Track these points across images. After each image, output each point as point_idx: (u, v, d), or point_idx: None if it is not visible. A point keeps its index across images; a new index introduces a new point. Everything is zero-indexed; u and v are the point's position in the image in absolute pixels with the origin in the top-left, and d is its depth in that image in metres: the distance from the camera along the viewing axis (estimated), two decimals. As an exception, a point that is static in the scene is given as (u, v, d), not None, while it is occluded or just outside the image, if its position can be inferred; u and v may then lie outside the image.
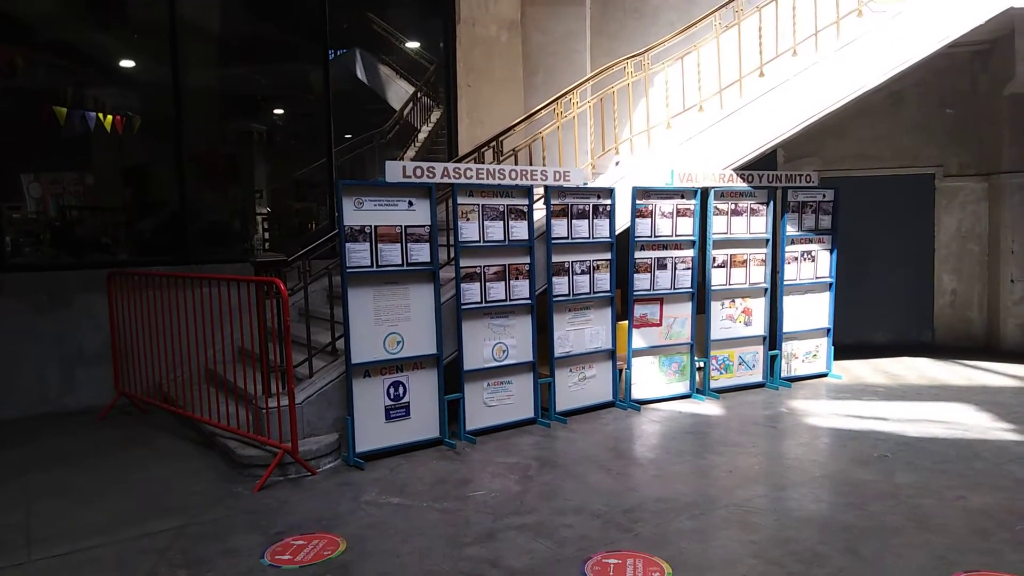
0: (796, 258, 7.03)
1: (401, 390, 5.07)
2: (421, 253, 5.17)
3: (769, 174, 6.85)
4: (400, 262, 5.07)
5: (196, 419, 5.43)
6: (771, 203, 6.83)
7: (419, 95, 13.68)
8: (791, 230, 6.97)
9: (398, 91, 14.32)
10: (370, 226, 4.94)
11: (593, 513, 3.86)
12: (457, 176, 5.32)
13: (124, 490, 4.41)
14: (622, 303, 6.34)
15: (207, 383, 6.49)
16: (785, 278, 6.93)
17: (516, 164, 6.12)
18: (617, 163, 6.75)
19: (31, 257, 7.91)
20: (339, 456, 4.88)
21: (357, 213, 4.89)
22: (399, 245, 5.06)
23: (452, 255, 5.50)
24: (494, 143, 6.46)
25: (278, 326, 4.65)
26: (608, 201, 6.14)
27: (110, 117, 11.10)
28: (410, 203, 5.11)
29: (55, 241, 9.66)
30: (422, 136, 13.54)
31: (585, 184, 6.07)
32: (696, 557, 3.32)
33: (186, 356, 5.94)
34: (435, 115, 14.35)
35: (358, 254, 4.89)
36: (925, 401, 6.09)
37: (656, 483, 4.33)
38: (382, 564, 3.33)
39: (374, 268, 4.96)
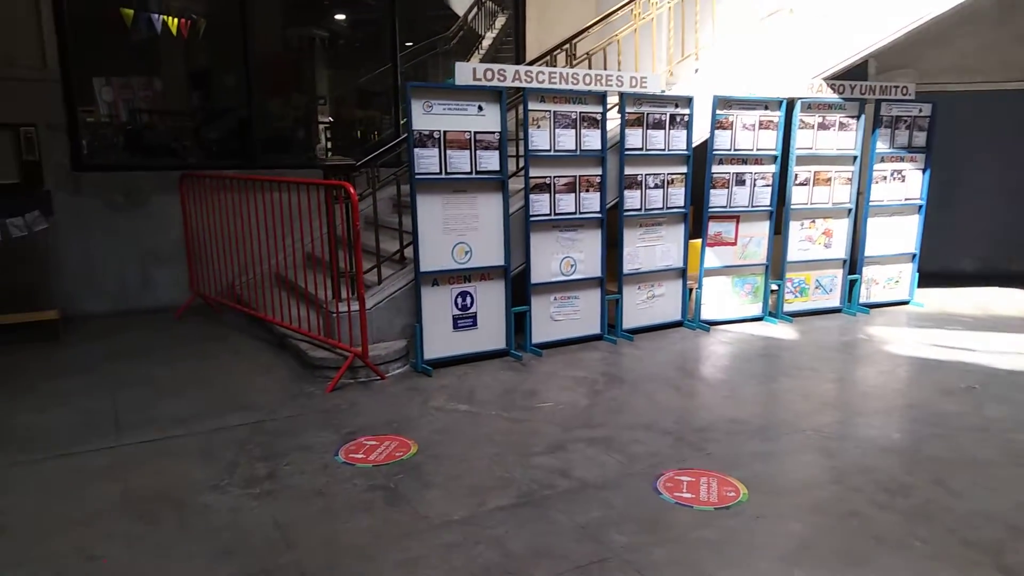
0: (885, 177, 6.59)
1: (469, 300, 5.04)
2: (490, 161, 5.01)
3: (862, 85, 6.36)
4: (469, 170, 4.93)
5: (268, 320, 5.55)
6: (861, 117, 6.35)
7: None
8: (881, 147, 6.51)
9: (462, -4, 13.76)
10: (439, 131, 4.79)
11: (663, 430, 3.81)
12: (529, 80, 5.08)
13: (203, 384, 4.56)
14: (695, 220, 6.10)
15: (276, 286, 6.61)
16: (872, 198, 6.53)
17: (590, 69, 5.81)
18: (696, 70, 6.34)
19: (100, 159, 8.08)
20: (407, 362, 4.93)
21: (426, 117, 4.73)
22: (468, 152, 4.91)
23: (520, 164, 5.33)
24: (567, 46, 6.13)
25: (348, 231, 4.61)
26: (686, 111, 5.80)
27: (175, 20, 11.05)
28: (480, 108, 4.92)
29: (127, 144, 9.84)
30: (486, 43, 13.07)
31: (663, 92, 5.74)
32: (772, 480, 3.24)
33: (256, 259, 6.03)
34: (499, 21, 13.80)
35: (427, 160, 4.77)
36: (1017, 333, 5.75)
37: (727, 404, 4.23)
38: (453, 468, 3.36)
39: (443, 175, 4.84)
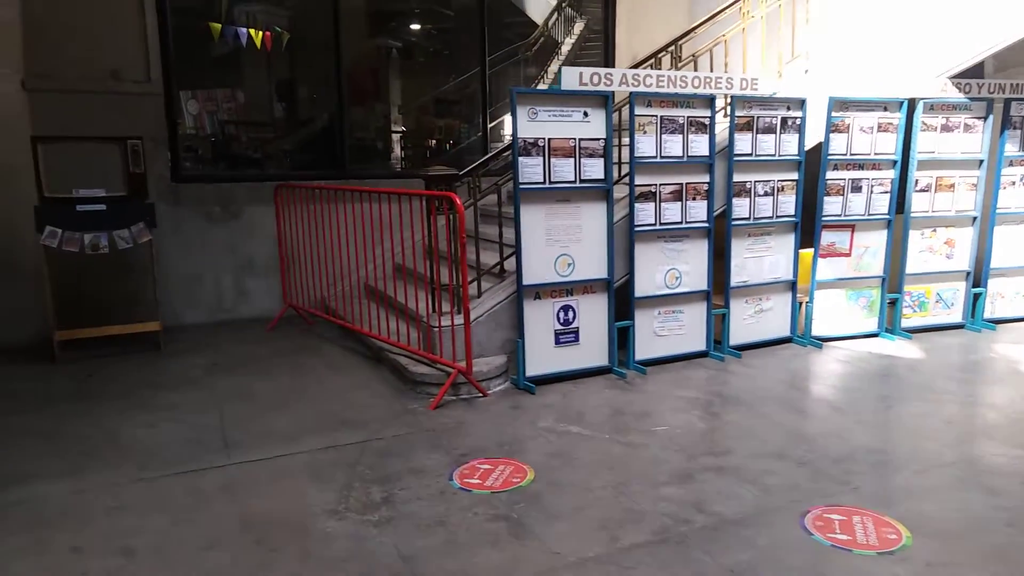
0: (1013, 183, 6.08)
1: (571, 314, 4.84)
2: (595, 169, 4.81)
3: (991, 83, 5.88)
4: (573, 179, 4.74)
5: (363, 333, 5.48)
6: (989, 118, 5.87)
7: (563, 4, 12.96)
8: (1011, 150, 6.01)
9: (538, 3, 13.64)
10: (543, 139, 4.61)
11: (797, 460, 3.51)
12: (636, 83, 4.85)
13: (304, 399, 4.50)
14: (806, 230, 5.73)
15: (367, 297, 6.58)
16: (999, 205, 6.02)
17: (695, 71, 5.55)
18: (807, 71, 5.98)
19: (195, 170, 8.25)
20: (508, 379, 4.76)
21: (531, 124, 4.57)
22: (572, 160, 4.72)
23: (622, 172, 5.11)
24: (672, 48, 5.87)
25: (453, 242, 4.48)
26: (799, 113, 5.47)
27: (260, 33, 11.27)
28: (585, 114, 4.72)
29: (221, 156, 10.06)
30: (565, 49, 12.89)
31: (774, 94, 5.43)
32: (934, 520, 2.91)
33: (346, 270, 6.02)
34: (578, 27, 13.61)
35: (531, 169, 4.60)
36: None
37: (861, 430, 3.89)
38: (576, 498, 3.15)
39: (546, 185, 4.66)
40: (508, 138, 10.15)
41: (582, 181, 4.76)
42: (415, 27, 14.28)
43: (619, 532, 2.84)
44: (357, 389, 4.70)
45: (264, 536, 2.85)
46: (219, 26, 10.45)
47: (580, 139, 4.72)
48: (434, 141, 11.55)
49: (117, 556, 2.73)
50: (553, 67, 12.63)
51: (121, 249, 5.36)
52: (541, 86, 12.31)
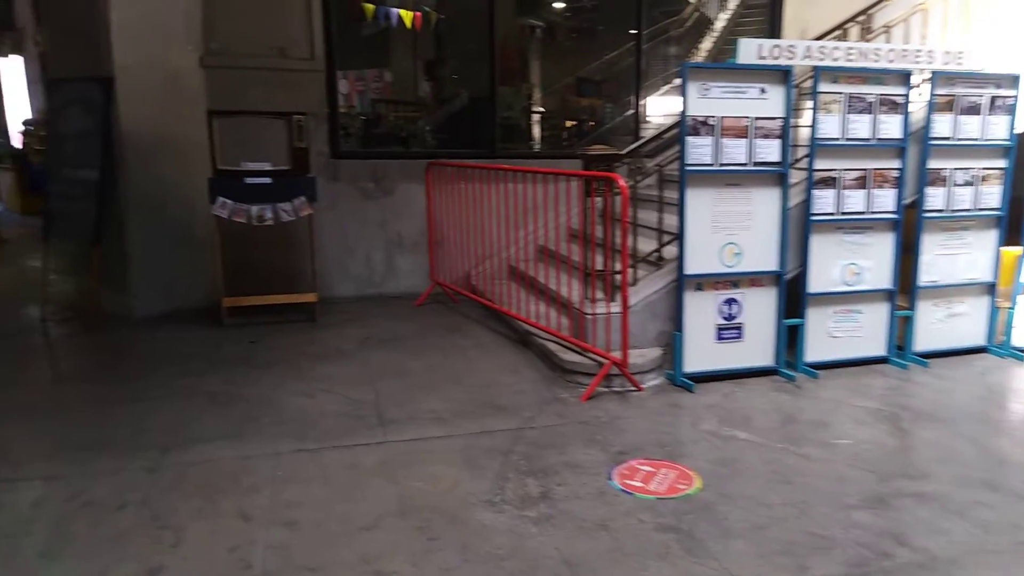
0: None
1: (735, 308, 4.48)
2: (769, 151, 4.39)
3: None
4: (745, 161, 4.35)
5: (511, 316, 5.37)
6: None
7: (719, -23, 12.26)
8: None
9: (690, -23, 12.95)
10: (715, 117, 4.26)
11: (1016, 493, 3.02)
12: (822, 57, 4.37)
13: (453, 379, 4.45)
14: (1012, 225, 5.01)
15: (510, 278, 6.49)
16: None
17: (887, 43, 4.95)
18: None
19: (351, 147, 8.46)
20: (662, 373, 4.48)
21: (702, 101, 4.22)
22: (745, 141, 4.33)
23: (797, 155, 4.65)
24: (861, 17, 5.28)
25: (609, 226, 4.25)
26: (1012, 92, 4.76)
27: (411, 13, 11.42)
28: (762, 90, 4.31)
29: (365, 134, 10.32)
30: (719, 25, 12.19)
31: (982, 70, 4.74)
32: None
33: (491, 250, 5.98)
34: (733, 2, 12.83)
35: (699, 150, 4.26)
36: None
37: (1092, 464, 3.31)
38: (752, 514, 2.86)
39: (715, 167, 4.31)
40: (653, 120, 9.76)
41: (755, 164, 4.36)
42: (559, 5, 14.01)
43: (808, 560, 2.53)
44: (505, 372, 4.59)
45: (423, 523, 2.78)
46: (372, 7, 10.71)
47: (755, 118, 4.32)
48: (576, 121, 11.30)
49: (281, 528, 2.75)
50: (705, 44, 11.99)
51: (284, 221, 5.55)
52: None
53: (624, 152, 4.61)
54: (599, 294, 4.56)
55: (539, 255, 6.60)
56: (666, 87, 10.48)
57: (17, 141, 13.64)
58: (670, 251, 4.71)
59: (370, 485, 3.08)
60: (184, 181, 5.85)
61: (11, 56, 11.46)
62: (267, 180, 5.42)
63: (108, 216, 5.50)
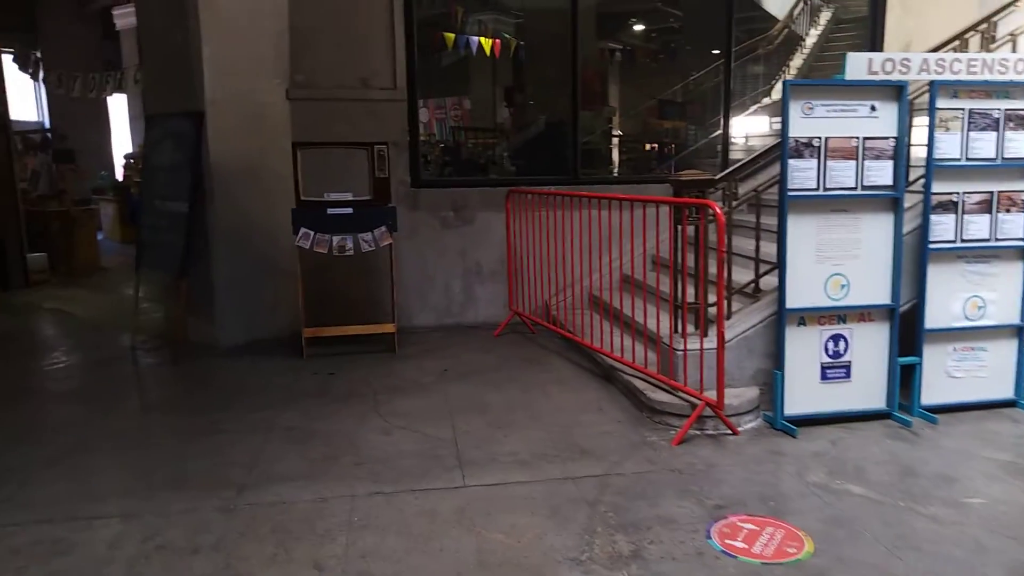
0: None
1: (842, 345, 4.10)
2: (881, 173, 4.03)
3: None
4: (853, 184, 4.00)
5: (593, 349, 5.13)
6: None
7: (808, -6, 11.80)
8: None
9: (776, -3, 12.53)
10: (819, 138, 3.93)
11: None
12: (940, 70, 3.99)
13: (534, 417, 4.24)
14: None
15: (591, 308, 6.26)
16: None
17: (1015, 52, 4.50)
18: None
19: (431, 175, 8.47)
20: (759, 415, 4.14)
21: (805, 121, 3.91)
22: (853, 163, 3.98)
23: (910, 177, 4.25)
24: (983, 25, 4.84)
25: (697, 256, 3.97)
26: None
27: (489, 41, 11.48)
28: (872, 108, 3.96)
29: (444, 162, 10.34)
30: (810, 42, 11.70)
31: None
32: None
33: (570, 279, 5.80)
34: (824, 16, 12.31)
35: (802, 173, 3.94)
36: None
37: None
38: (877, 587, 2.51)
39: (820, 192, 3.97)
40: (741, 141, 9.36)
41: (864, 187, 4.01)
42: (638, 28, 13.84)
43: (950, 650, 2.17)
44: (588, 411, 4.35)
45: (504, 581, 2.57)
46: (453, 36, 10.82)
47: (865, 138, 3.97)
48: (658, 144, 11.03)
49: (356, 580, 2.60)
50: (795, 62, 11.51)
51: (364, 252, 5.51)
52: (782, 81, 11.25)
53: (718, 177, 4.32)
54: (690, 328, 4.26)
55: (622, 284, 6.35)
56: (754, 107, 10.07)
57: (120, 174, 14.47)
58: (768, 282, 4.38)
59: (448, 535, 2.90)
60: (268, 213, 5.93)
61: (116, 94, 12.16)
62: (348, 210, 5.41)
63: (196, 248, 5.61)
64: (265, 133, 5.87)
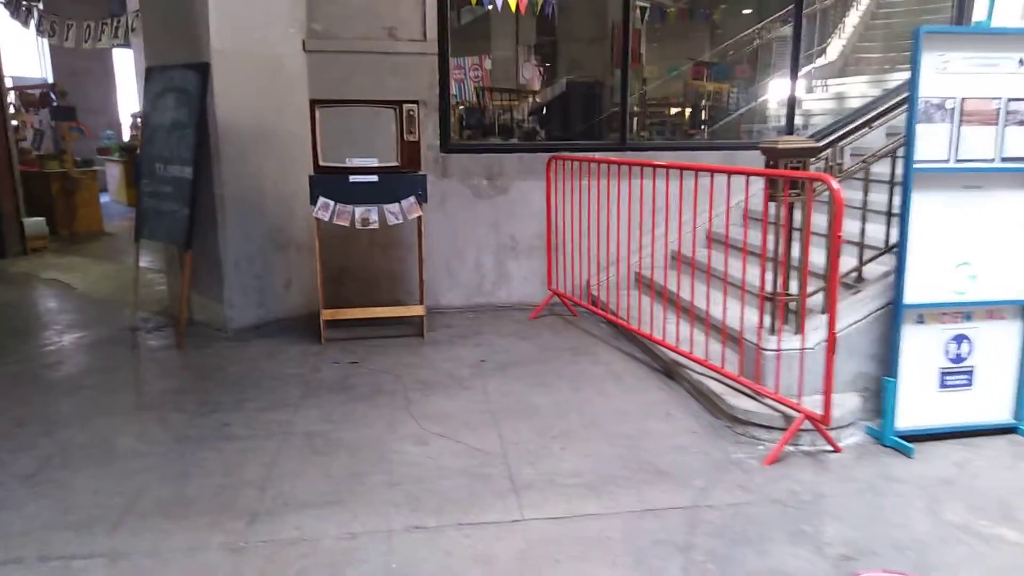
0: None
1: (965, 348, 3.44)
2: None
3: None
4: (991, 156, 3.30)
5: (653, 340, 4.49)
6: None
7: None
8: None
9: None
10: (954, 99, 3.23)
11: None
12: (1102, 17, 3.25)
13: (592, 423, 3.63)
14: None
15: (637, 289, 5.62)
16: None
17: None
18: None
19: (468, 139, 7.77)
20: (861, 427, 3.51)
21: (939, 78, 3.20)
22: (993, 129, 3.28)
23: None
24: None
25: (808, 240, 3.30)
26: None
27: (513, -4, 10.61)
28: (1021, 62, 3.24)
29: (484, 124, 9.60)
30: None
31: None
32: None
33: (613, 255, 5.22)
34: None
35: (932, 142, 3.24)
36: None
37: None
38: None
39: (950, 164, 3.28)
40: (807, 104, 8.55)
41: (1004, 159, 3.31)
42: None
43: None
44: (654, 416, 3.73)
45: (592, 669, 1.98)
46: (477, -13, 10.00)
47: (1009, 99, 3.26)
48: (695, 108, 10.25)
49: (400, 660, 2.01)
50: (851, 19, 10.61)
51: (390, 225, 4.87)
52: (836, 40, 10.41)
53: (822, 144, 3.62)
54: (772, 322, 3.61)
55: (672, 262, 5.69)
56: (808, 68, 9.25)
57: (127, 133, 13.80)
58: (870, 271, 3.71)
59: (511, 594, 2.31)
60: (282, 179, 5.29)
61: (120, 47, 11.44)
62: (373, 178, 4.75)
63: (201, 217, 4.98)
64: (279, 89, 5.20)
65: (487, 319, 5.62)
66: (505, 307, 5.93)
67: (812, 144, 3.44)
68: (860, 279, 3.72)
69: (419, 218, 4.93)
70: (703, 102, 10.04)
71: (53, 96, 9.73)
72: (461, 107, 11.04)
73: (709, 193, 4.02)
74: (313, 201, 4.71)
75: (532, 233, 5.91)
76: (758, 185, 4.77)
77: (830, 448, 3.31)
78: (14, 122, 9.62)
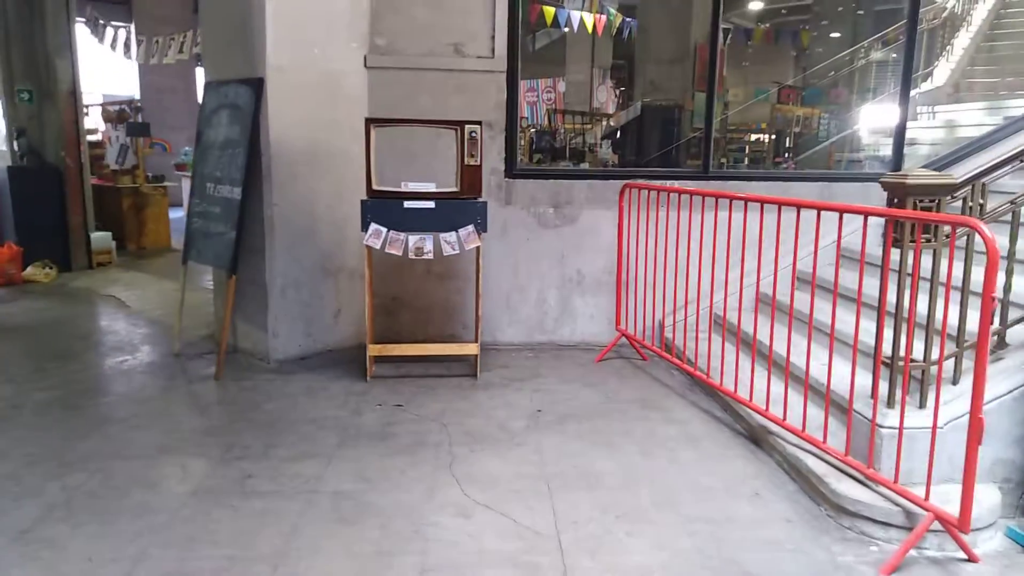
0: None
1: None
2: None
3: None
4: None
5: (736, 399, 3.91)
6: None
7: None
8: None
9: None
10: None
11: None
12: None
13: (665, 501, 3.08)
14: None
15: (719, 335, 5.02)
16: None
17: None
18: None
19: (538, 163, 7.37)
20: (999, 528, 2.84)
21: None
22: None
23: None
24: None
25: (947, 295, 2.69)
26: None
27: (593, 15, 10.22)
28: None
29: (544, 147, 9.19)
30: (977, 18, 9.88)
31: None
32: None
33: (692, 295, 4.73)
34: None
35: (1104, 181, 2.60)
36: None
37: None
38: None
39: None
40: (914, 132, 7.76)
41: None
42: (754, 6, 12.35)
43: None
44: (740, 496, 3.15)
45: None
46: (553, 10, 9.64)
47: None
48: (780, 135, 9.57)
49: None
50: (960, 41, 9.74)
51: (445, 255, 4.46)
52: (944, 64, 9.55)
53: (961, 181, 3.00)
54: (889, 391, 2.99)
55: (760, 306, 5.07)
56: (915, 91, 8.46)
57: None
58: (1016, 334, 3.05)
59: None
60: (337, 201, 4.98)
61: (196, 65, 11.62)
62: (430, 204, 4.37)
63: (249, 240, 4.71)
64: (336, 107, 4.89)
65: (548, 360, 5.14)
66: (568, 347, 5.44)
67: (949, 180, 2.83)
68: (1002, 344, 3.06)
69: (478, 248, 4.51)
70: (790, 128, 9.37)
71: (130, 112, 9.86)
72: (532, 130, 10.68)
73: (814, 226, 3.43)
74: (364, 227, 4.36)
75: (600, 267, 5.41)
76: (855, 223, 4.16)
77: (963, 556, 2.66)
78: (92, 137, 9.81)
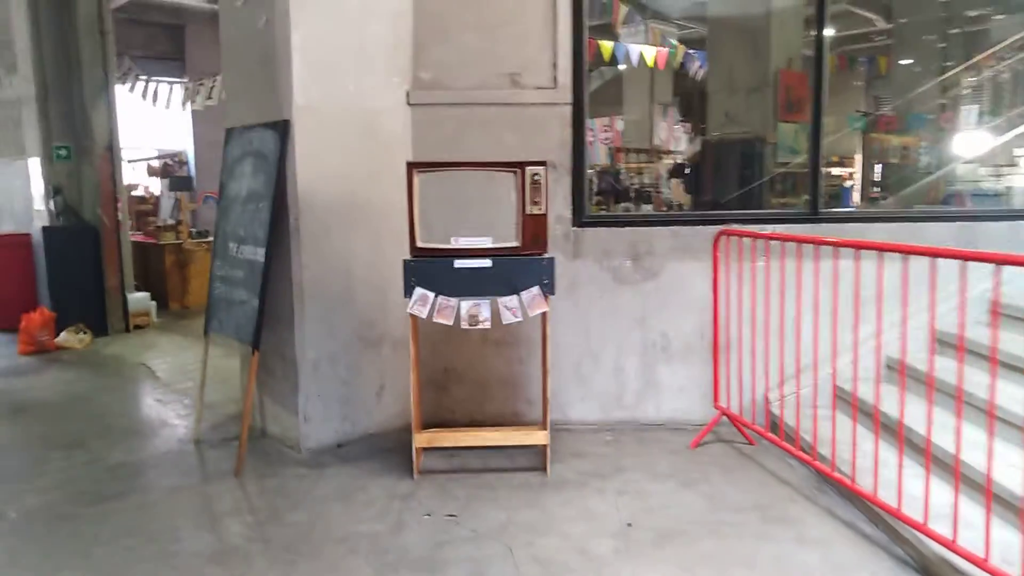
0: None
1: None
2: None
3: None
4: None
5: (890, 513, 2.94)
6: None
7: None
8: None
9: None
10: None
11: None
12: None
13: None
14: None
15: (842, 412, 4.01)
16: None
17: None
18: None
19: (598, 205, 6.59)
20: None
21: None
22: None
23: None
24: None
25: None
26: None
27: (654, 49, 9.47)
28: None
29: (605, 189, 8.44)
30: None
31: None
32: None
33: (804, 362, 3.80)
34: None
35: None
36: None
37: None
38: None
39: None
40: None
41: None
42: (829, 31, 11.40)
43: None
44: None
45: None
46: (611, 46, 8.96)
47: None
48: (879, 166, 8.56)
49: None
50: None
51: (507, 324, 3.65)
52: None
53: None
54: None
55: (890, 374, 4.10)
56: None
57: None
58: None
59: None
60: (377, 260, 4.25)
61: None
62: (485, 263, 3.59)
63: (275, 308, 4.01)
64: (375, 151, 4.21)
65: (630, 444, 4.25)
66: (652, 426, 4.54)
67: None
68: None
69: (544, 314, 3.69)
70: (887, 159, 8.35)
71: (174, 165, 9.55)
72: (590, 170, 9.93)
73: (962, 281, 2.50)
74: (407, 292, 3.60)
75: (689, 329, 4.52)
76: (1009, 272, 3.18)
77: None
78: (136, 192, 9.50)
